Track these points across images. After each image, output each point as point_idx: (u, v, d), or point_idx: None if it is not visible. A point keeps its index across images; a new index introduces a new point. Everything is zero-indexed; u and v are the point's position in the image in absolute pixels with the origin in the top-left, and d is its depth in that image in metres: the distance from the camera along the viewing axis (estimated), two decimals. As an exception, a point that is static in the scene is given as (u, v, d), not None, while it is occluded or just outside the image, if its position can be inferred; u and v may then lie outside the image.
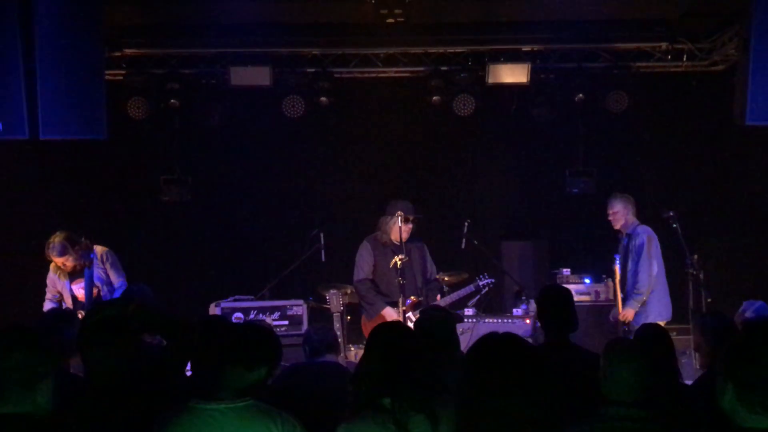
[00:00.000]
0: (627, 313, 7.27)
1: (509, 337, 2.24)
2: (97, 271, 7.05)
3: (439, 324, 4.33)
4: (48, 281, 7.22)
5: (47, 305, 7.22)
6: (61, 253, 6.88)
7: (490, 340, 2.24)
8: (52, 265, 7.15)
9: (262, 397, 3.01)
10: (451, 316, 4.61)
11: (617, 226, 7.65)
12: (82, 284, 7.02)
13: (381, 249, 7.59)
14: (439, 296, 7.47)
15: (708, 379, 4.19)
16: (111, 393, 3.15)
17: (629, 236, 7.54)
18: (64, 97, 6.04)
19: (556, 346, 4.22)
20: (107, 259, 7.17)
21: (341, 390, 4.28)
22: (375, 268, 7.59)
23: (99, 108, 6.12)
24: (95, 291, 6.99)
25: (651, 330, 4.37)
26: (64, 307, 7.19)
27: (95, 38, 6.19)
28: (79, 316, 6.75)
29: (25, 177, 8.56)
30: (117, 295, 6.98)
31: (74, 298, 7.09)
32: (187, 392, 3.11)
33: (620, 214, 7.58)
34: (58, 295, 7.22)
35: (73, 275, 7.06)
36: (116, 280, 7.19)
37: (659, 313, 7.46)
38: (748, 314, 5.40)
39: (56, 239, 6.87)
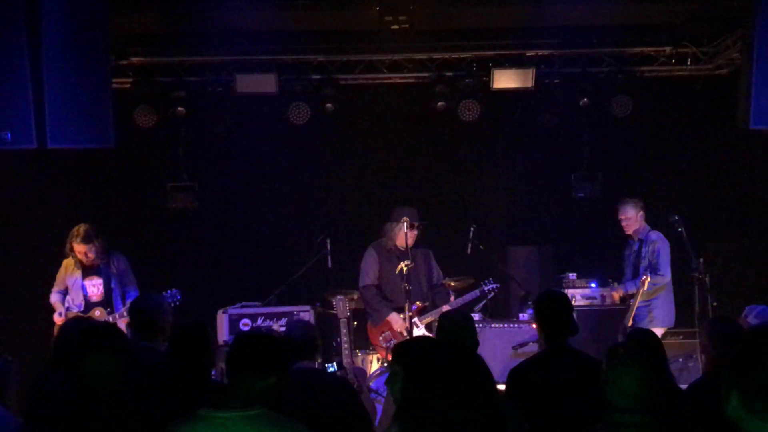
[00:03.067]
0: (645, 280, 7.12)
1: (448, 346, 2.23)
2: (112, 271, 7.26)
3: (464, 331, 4.35)
4: (58, 278, 7.37)
5: (54, 296, 7.34)
6: (86, 240, 7.09)
7: (430, 350, 2.22)
8: (65, 261, 7.29)
9: (273, 406, 3.01)
10: (471, 320, 4.61)
11: (629, 231, 7.65)
12: (94, 282, 7.17)
13: (386, 255, 7.63)
14: (453, 297, 7.52)
15: (707, 384, 4.21)
16: (105, 399, 3.21)
17: (641, 241, 7.54)
18: (71, 106, 6.03)
19: (557, 352, 4.23)
20: (122, 262, 7.36)
21: (323, 400, 4.22)
22: (380, 274, 7.64)
23: (106, 116, 6.11)
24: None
25: (644, 336, 4.38)
26: (67, 305, 7.28)
27: (102, 47, 6.18)
28: (97, 314, 6.95)
29: (33, 185, 8.59)
30: (130, 298, 7.10)
31: (85, 297, 7.22)
32: (197, 400, 3.13)
33: (633, 219, 7.60)
34: (65, 290, 7.35)
35: (86, 271, 7.21)
36: (129, 284, 7.35)
37: (662, 320, 7.48)
38: (750, 319, 5.42)
39: (81, 228, 7.12)
